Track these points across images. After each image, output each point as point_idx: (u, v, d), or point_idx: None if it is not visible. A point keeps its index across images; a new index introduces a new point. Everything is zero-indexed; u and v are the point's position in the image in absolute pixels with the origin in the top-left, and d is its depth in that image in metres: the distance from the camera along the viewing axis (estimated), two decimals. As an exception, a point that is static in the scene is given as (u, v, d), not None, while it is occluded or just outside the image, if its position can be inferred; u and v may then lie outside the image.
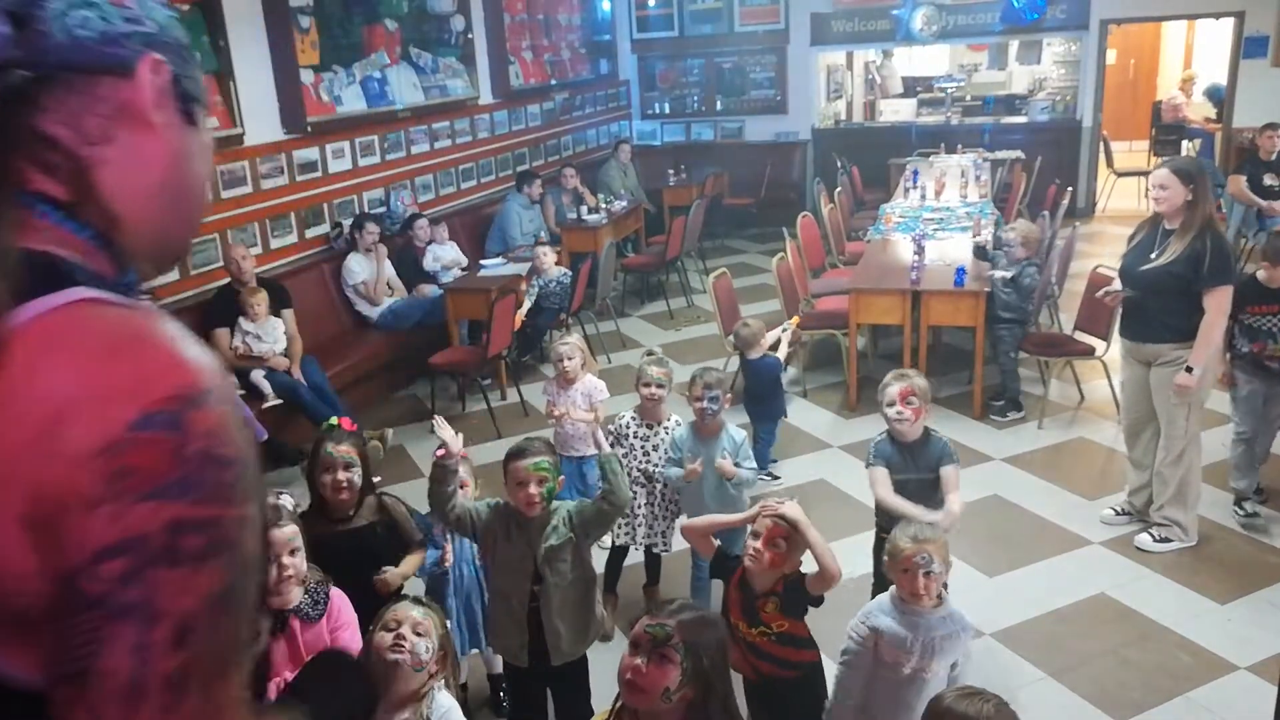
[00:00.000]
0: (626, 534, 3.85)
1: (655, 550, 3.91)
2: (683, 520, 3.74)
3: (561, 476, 2.89)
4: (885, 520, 3.33)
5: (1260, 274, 4.15)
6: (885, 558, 2.56)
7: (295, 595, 2.50)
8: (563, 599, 2.83)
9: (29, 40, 0.75)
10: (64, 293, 0.71)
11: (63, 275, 0.73)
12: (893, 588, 2.59)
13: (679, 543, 3.91)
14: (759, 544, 2.60)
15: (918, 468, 3.23)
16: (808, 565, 2.65)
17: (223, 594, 0.70)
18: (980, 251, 5.98)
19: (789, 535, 2.59)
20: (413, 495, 4.17)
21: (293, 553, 2.49)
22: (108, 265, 0.78)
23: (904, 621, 2.50)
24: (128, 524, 0.66)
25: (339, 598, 2.58)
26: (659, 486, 3.81)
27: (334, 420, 3.08)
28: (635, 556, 4.01)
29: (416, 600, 2.45)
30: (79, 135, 0.78)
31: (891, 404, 3.20)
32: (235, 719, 0.73)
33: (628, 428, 3.83)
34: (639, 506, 3.80)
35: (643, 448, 3.81)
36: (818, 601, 2.65)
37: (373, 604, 2.61)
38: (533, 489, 2.75)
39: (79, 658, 0.66)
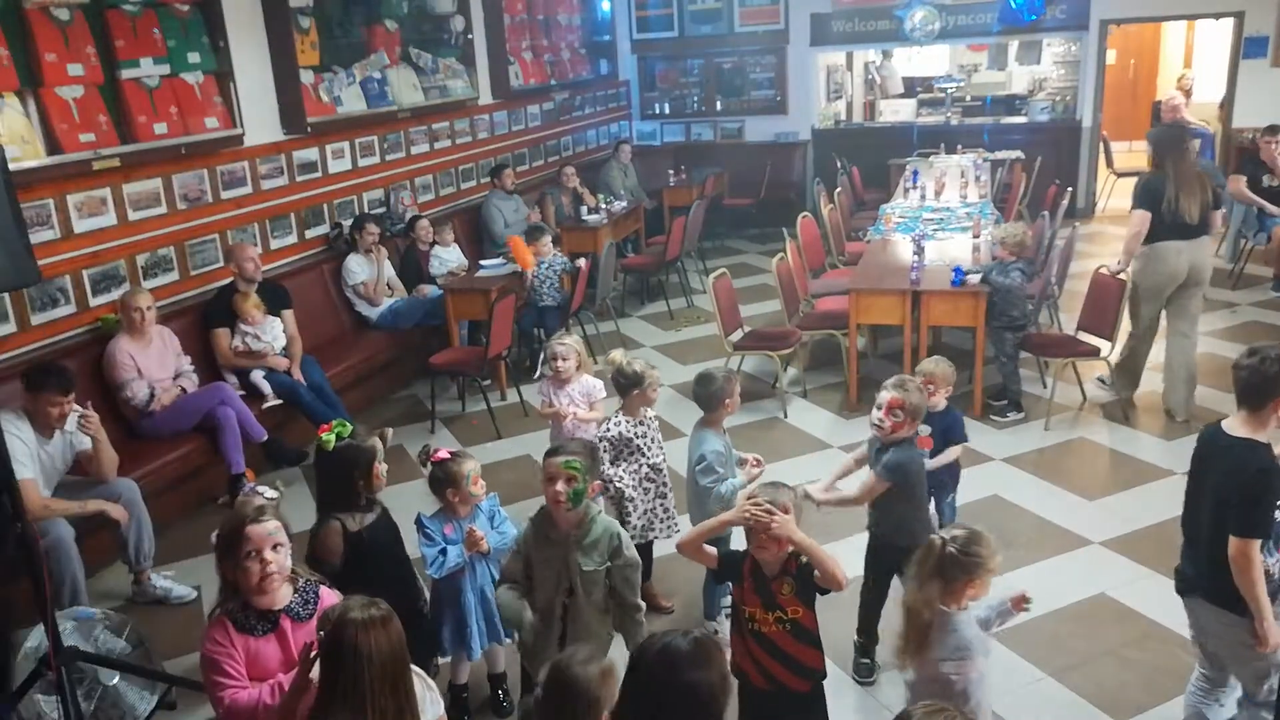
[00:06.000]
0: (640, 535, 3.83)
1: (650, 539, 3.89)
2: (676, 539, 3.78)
3: (597, 483, 2.92)
4: (875, 525, 3.35)
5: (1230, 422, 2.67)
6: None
7: (285, 594, 2.47)
8: (586, 620, 2.86)
9: None
10: None
11: None
12: (973, 604, 2.57)
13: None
14: (756, 545, 2.58)
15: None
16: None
17: None
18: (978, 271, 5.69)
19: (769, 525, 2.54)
20: (412, 495, 4.18)
21: (275, 548, 2.41)
22: None
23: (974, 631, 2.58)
24: None
25: (329, 596, 2.54)
26: (662, 478, 3.84)
27: (346, 423, 3.11)
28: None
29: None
30: None
31: (879, 407, 3.25)
32: None
33: (626, 431, 3.77)
34: (646, 504, 3.80)
35: (645, 445, 3.79)
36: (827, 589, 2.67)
37: (402, 590, 2.83)
38: (560, 486, 2.78)
39: None
